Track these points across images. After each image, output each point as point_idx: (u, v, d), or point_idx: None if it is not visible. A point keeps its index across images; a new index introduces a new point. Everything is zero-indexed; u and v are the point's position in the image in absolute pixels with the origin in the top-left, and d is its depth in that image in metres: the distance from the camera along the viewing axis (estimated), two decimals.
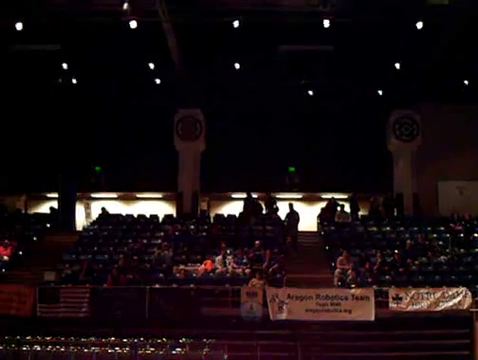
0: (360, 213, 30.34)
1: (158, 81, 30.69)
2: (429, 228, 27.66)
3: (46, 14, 25.16)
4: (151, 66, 29.54)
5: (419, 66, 28.90)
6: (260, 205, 29.63)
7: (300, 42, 26.95)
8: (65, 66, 29.46)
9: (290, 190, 32.28)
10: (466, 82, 30.61)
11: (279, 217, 28.07)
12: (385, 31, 26.02)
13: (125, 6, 23.99)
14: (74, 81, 30.61)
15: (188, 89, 30.78)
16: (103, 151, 32.36)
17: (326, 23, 24.84)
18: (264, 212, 29.54)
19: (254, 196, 30.26)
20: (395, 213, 30.95)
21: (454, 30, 25.73)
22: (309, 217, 29.86)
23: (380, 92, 31.81)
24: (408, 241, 25.32)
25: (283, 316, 20.88)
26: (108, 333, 19.85)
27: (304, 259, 24.81)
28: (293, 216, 27.95)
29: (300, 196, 32.68)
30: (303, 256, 25.27)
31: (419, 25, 25.19)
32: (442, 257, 24.55)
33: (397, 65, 29.20)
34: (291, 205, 28.59)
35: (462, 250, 25.31)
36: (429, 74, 29.33)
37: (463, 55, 27.51)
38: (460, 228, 27.14)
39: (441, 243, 25.81)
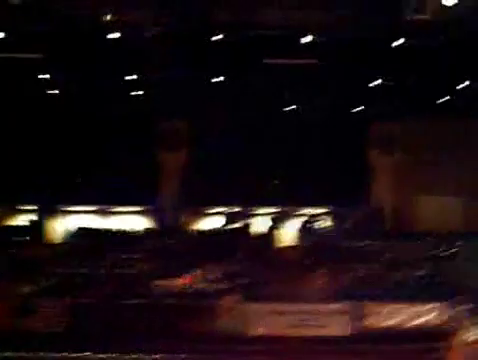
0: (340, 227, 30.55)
1: (141, 92, 30.71)
2: (407, 243, 27.82)
3: (29, 22, 25.13)
4: (134, 77, 29.57)
5: (400, 80, 29.07)
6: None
7: (283, 56, 27.07)
8: (47, 76, 29.41)
9: (272, 204, 32.34)
10: (446, 97, 30.89)
11: (255, 231, 28.09)
12: (366, 45, 26.23)
13: (108, 16, 24.09)
14: (55, 91, 30.57)
15: (171, 100, 30.77)
16: (83, 163, 32.27)
17: (308, 38, 25.11)
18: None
19: (235, 210, 30.33)
20: (374, 227, 31.06)
21: (435, 45, 25.92)
22: (290, 231, 29.93)
23: (361, 106, 32.05)
24: (386, 255, 25.43)
25: (261, 331, 20.93)
26: (86, 347, 19.83)
27: (283, 273, 24.80)
28: (273, 230, 28.08)
29: (281, 209, 32.73)
30: (282, 271, 25.28)
31: (400, 40, 25.51)
32: (419, 272, 24.70)
33: (378, 79, 29.49)
34: (273, 218, 28.70)
35: (439, 265, 25.47)
36: (410, 88, 29.50)
37: (443, 70, 27.71)
38: (437, 243, 27.28)
39: (418, 258, 25.98)
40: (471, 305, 21.78)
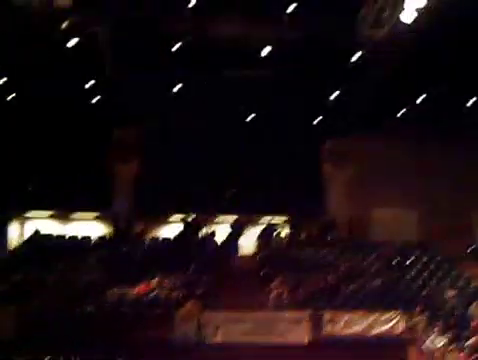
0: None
1: (95, 100, 30.42)
2: (363, 253, 27.95)
3: None
4: (88, 85, 29.29)
5: (355, 95, 29.31)
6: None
7: (239, 67, 27.09)
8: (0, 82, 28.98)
9: (228, 213, 32.18)
10: (400, 113, 31.30)
11: (215, 241, 27.99)
12: (322, 60, 26.41)
13: (64, 25, 23.83)
14: (10, 97, 30.11)
15: (125, 108, 30.52)
16: (37, 169, 31.64)
17: (265, 51, 25.21)
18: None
19: (192, 218, 30.02)
20: (330, 238, 31.18)
21: (389, 63, 26.18)
22: (247, 240, 29.78)
23: (316, 119, 32.26)
24: (342, 266, 25.50)
25: (218, 340, 20.78)
26: (37, 355, 19.52)
27: (240, 282, 24.67)
28: (230, 238, 28.04)
29: (238, 218, 32.50)
30: (239, 279, 25.17)
31: (354, 58, 25.73)
32: (376, 282, 24.82)
33: (333, 94, 29.72)
34: (230, 227, 28.64)
35: (395, 275, 25.67)
36: (364, 103, 29.75)
37: (398, 87, 28.01)
38: (393, 254, 27.49)
39: (375, 268, 26.13)
40: (428, 315, 22.05)
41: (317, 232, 30.96)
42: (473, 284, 25.43)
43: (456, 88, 27.97)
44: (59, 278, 23.26)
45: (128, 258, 26.31)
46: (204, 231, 29.18)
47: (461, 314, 22.77)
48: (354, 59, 25.64)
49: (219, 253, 27.05)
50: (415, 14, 20.82)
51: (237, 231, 28.72)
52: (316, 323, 21.20)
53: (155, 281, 23.27)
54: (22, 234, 30.79)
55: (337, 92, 29.45)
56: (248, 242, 29.74)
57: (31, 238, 28.96)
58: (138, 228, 31.22)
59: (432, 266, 27.05)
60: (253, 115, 31.74)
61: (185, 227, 29.28)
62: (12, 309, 21.15)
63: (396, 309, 21.90)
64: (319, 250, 28.16)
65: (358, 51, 25.45)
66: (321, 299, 23.03)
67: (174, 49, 25.68)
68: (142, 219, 32.30)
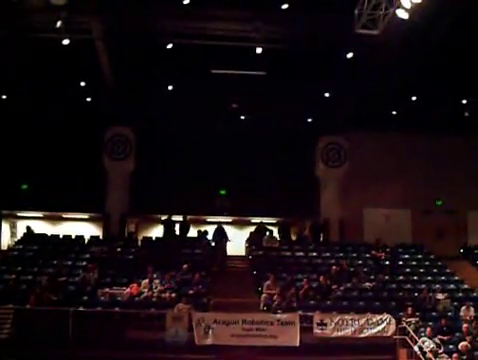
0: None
1: (88, 99, 30.39)
2: (354, 254, 28.00)
3: None
4: (82, 84, 29.25)
5: (348, 94, 29.32)
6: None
7: (233, 67, 27.05)
8: None
9: (220, 213, 32.22)
10: (394, 112, 31.32)
11: (208, 240, 28.01)
12: (316, 59, 26.39)
13: (59, 23, 23.76)
14: (3, 97, 30.05)
15: (119, 107, 30.51)
16: (30, 169, 31.57)
17: (259, 49, 25.13)
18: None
19: (183, 219, 30.06)
20: (322, 238, 31.25)
21: (383, 60, 26.16)
22: (238, 241, 29.82)
23: (309, 119, 32.25)
24: (334, 267, 25.52)
25: (208, 341, 20.76)
26: (31, 355, 19.46)
27: (231, 283, 24.70)
28: (221, 239, 28.04)
29: (230, 219, 32.67)
30: (231, 280, 25.20)
31: (349, 55, 25.66)
32: (367, 283, 24.86)
33: (326, 93, 29.70)
34: (220, 228, 28.64)
35: (386, 277, 25.71)
36: (357, 102, 29.77)
37: (392, 85, 28.03)
38: (382, 255, 27.54)
39: (366, 269, 26.17)
40: (419, 317, 22.10)
41: (309, 233, 31.03)
42: (465, 286, 25.54)
43: (450, 87, 28.01)
44: (52, 278, 23.17)
45: (120, 258, 26.36)
46: (196, 231, 29.25)
47: (452, 316, 22.86)
48: (349, 57, 25.61)
49: (211, 253, 27.05)
50: (410, 11, 20.51)
51: (227, 232, 28.74)
52: (307, 325, 21.15)
53: (146, 281, 23.23)
54: (15, 234, 30.76)
55: (332, 91, 29.47)
56: (240, 243, 29.82)
57: (24, 238, 28.95)
58: (131, 228, 31.35)
59: (424, 267, 27.15)
60: (245, 115, 31.76)
61: (177, 227, 29.35)
62: (8, 309, 21.07)
63: (387, 311, 21.87)
64: (310, 251, 28.28)
65: (352, 48, 25.42)
66: (312, 300, 23.05)
67: (169, 47, 25.59)
68: (135, 219, 32.38)
